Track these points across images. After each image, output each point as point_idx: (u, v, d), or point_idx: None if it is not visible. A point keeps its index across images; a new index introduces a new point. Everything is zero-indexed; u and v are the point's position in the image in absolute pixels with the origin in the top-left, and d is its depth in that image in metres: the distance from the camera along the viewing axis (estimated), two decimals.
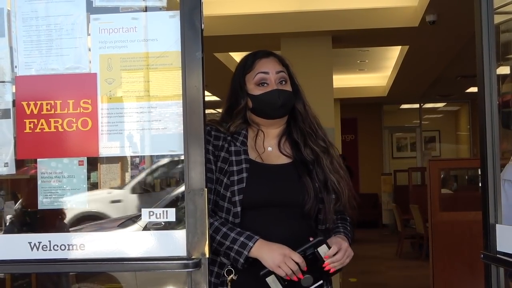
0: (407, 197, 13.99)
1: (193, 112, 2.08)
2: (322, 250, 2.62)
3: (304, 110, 2.91)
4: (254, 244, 2.61)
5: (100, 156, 2.18)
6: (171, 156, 2.29)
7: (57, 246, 2.13)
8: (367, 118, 19.70)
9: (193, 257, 2.05)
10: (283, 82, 2.86)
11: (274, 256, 2.59)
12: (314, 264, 2.61)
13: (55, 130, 2.16)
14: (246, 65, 2.91)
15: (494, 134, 2.18)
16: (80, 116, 2.16)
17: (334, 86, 9.73)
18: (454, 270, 4.52)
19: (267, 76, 2.84)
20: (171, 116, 2.14)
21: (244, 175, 2.74)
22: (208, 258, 2.07)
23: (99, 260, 2.11)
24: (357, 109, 19.07)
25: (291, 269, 2.57)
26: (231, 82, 2.96)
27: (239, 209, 2.70)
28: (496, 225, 2.10)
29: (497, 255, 2.05)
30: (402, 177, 16.36)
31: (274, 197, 2.71)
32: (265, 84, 2.84)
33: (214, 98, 16.63)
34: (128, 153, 2.19)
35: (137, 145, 2.17)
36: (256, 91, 2.84)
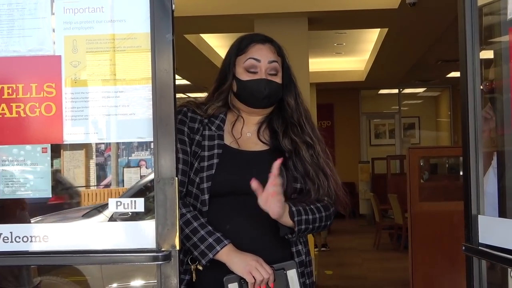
0: (385, 186, 14.08)
1: (163, 97, 2.07)
2: (290, 274, 2.62)
3: (295, 104, 2.90)
4: (221, 249, 2.61)
5: (65, 143, 2.17)
6: (140, 143, 2.27)
7: (19, 238, 2.12)
8: (344, 103, 19.76)
9: (162, 249, 2.05)
10: (274, 73, 2.84)
11: (248, 261, 2.58)
12: (279, 284, 2.61)
13: (17, 116, 2.14)
14: (239, 47, 2.89)
15: (476, 121, 2.20)
16: (44, 100, 2.14)
17: (309, 70, 9.74)
18: (434, 263, 4.56)
19: (258, 63, 2.82)
20: (140, 100, 2.13)
21: (215, 161, 2.74)
22: (178, 250, 2.07)
23: (63, 252, 2.10)
24: (334, 94, 19.12)
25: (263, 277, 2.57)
26: (222, 62, 2.96)
27: (206, 196, 2.70)
28: (479, 216, 2.12)
29: (479, 247, 2.07)
30: (380, 165, 16.46)
31: (244, 184, 2.70)
32: (255, 72, 2.82)
33: (185, 82, 16.58)
34: (93, 139, 2.18)
35: (103, 131, 2.16)
36: (244, 76, 2.83)
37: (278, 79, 2.85)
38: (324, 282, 10.07)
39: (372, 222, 15.08)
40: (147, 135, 2.12)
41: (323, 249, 12.89)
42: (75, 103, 2.15)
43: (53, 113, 2.14)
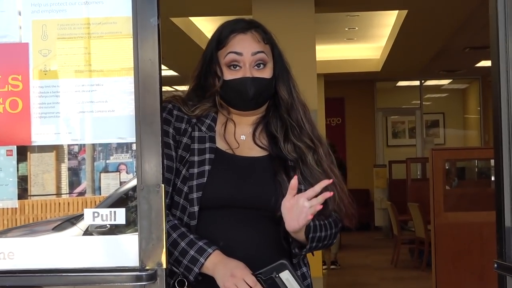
0: (405, 194, 14.06)
1: (147, 91, 2.08)
2: (284, 276, 2.60)
3: (290, 97, 2.89)
4: (206, 259, 2.59)
5: (33, 144, 2.18)
6: (120, 144, 2.29)
7: None
8: (356, 97, 19.75)
9: (147, 267, 2.06)
10: (261, 65, 2.81)
11: (225, 275, 2.56)
12: None
13: None
14: (219, 39, 2.85)
15: (511, 117, 2.20)
16: (8, 95, 2.15)
17: (317, 59, 9.74)
18: (461, 282, 4.56)
19: (240, 57, 2.78)
20: (120, 95, 2.14)
21: (207, 167, 2.73)
22: (165, 268, 2.07)
23: (31, 271, 2.10)
24: (345, 87, 19.11)
25: None
26: (202, 54, 2.93)
27: (196, 208, 2.68)
28: None
29: None
30: (398, 170, 16.46)
31: (240, 196, 2.68)
32: (237, 67, 2.80)
33: (171, 72, 16.59)
34: (66, 140, 2.19)
35: (78, 131, 2.17)
36: (227, 74, 2.80)
37: (266, 73, 2.81)
38: None
39: (390, 235, 15.08)
40: (128, 135, 2.13)
41: (332, 267, 12.89)
42: (44, 98, 2.16)
43: (19, 109, 2.15)
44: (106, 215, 2.14)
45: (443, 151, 7.29)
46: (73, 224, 5.48)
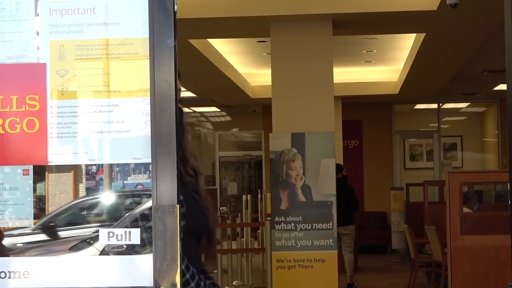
0: (422, 216, 14.01)
1: (163, 111, 2.08)
2: None
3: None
4: None
5: (50, 164, 2.18)
6: (137, 164, 2.29)
7: None
8: (374, 120, 19.74)
9: (161, 287, 2.05)
10: None
11: None
12: None
13: None
14: None
15: None
16: (26, 115, 2.15)
17: (335, 81, 9.74)
18: None
19: None
20: (136, 116, 2.14)
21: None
22: None
23: None
24: (363, 110, 19.10)
25: None
26: None
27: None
28: None
29: None
30: (416, 192, 16.39)
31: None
32: None
33: (189, 94, 16.62)
34: (83, 160, 2.18)
35: (94, 151, 2.16)
36: None
37: None
38: None
39: (407, 258, 15.01)
40: (144, 156, 2.12)
41: None
42: (61, 118, 2.16)
43: (36, 129, 2.15)
44: (121, 235, 2.13)
45: (460, 174, 7.27)
46: (90, 244, 5.50)
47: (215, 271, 12.82)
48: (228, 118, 22.01)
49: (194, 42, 11.04)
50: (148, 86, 2.10)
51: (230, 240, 13.80)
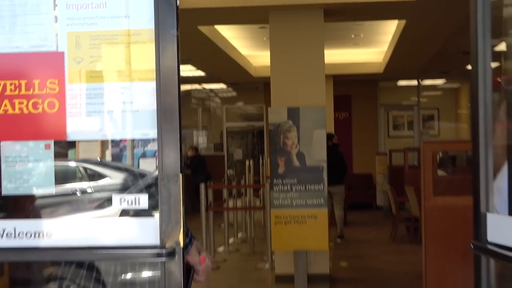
0: (403, 178, 14.03)
1: (168, 93, 2.07)
2: None
3: None
4: None
5: (68, 139, 2.17)
6: (144, 139, 2.29)
7: (23, 234, 2.12)
8: (362, 95, 19.70)
9: (166, 246, 2.05)
10: None
11: None
12: None
13: (19, 112, 2.14)
14: None
15: (487, 115, 2.17)
16: (47, 97, 2.14)
17: (326, 62, 9.70)
18: (448, 258, 4.52)
19: None
20: (144, 97, 2.13)
21: None
22: (182, 247, 2.06)
23: (67, 248, 2.10)
24: (352, 86, 19.06)
25: None
26: None
27: None
28: (487, 214, 2.09)
29: (488, 246, 2.05)
30: (398, 158, 16.40)
31: None
32: None
33: (199, 73, 16.59)
34: (97, 136, 2.18)
35: (107, 128, 2.15)
36: None
37: None
38: (339, 274, 10.06)
39: (389, 214, 15.03)
40: (151, 132, 2.11)
41: (338, 240, 12.89)
42: (78, 100, 2.15)
43: (56, 109, 2.14)
44: (131, 200, 2.13)
45: (433, 144, 7.24)
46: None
47: (221, 225, 12.90)
48: (234, 94, 21.98)
49: (203, 28, 10.97)
50: (154, 71, 2.08)
51: (235, 199, 13.84)
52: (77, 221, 2.19)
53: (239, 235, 13.66)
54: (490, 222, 2.07)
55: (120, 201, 2.14)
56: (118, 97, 2.14)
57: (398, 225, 13.02)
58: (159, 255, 2.05)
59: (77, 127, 2.15)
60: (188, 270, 2.67)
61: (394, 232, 13.03)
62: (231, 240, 12.90)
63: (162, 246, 2.05)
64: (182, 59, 11.33)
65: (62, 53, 2.15)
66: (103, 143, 2.26)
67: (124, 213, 2.16)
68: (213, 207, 11.84)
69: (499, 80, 2.50)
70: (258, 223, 13.06)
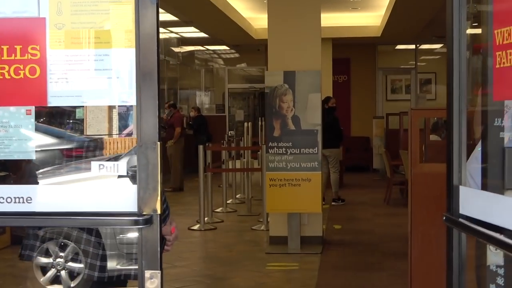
0: (399, 142, 14.02)
1: (147, 60, 2.04)
2: None
3: None
4: None
5: (49, 105, 2.15)
6: (123, 107, 2.28)
7: (3, 199, 2.11)
8: (360, 58, 19.64)
9: (144, 213, 2.03)
10: None
11: None
12: None
13: (1, 77, 2.12)
14: None
15: (461, 89, 2.15)
16: (28, 63, 2.12)
17: (325, 25, 9.65)
18: (432, 223, 4.51)
19: None
20: (124, 64, 2.10)
21: None
22: (160, 214, 2.05)
23: (45, 214, 2.09)
24: (350, 49, 18.98)
25: None
26: None
27: None
28: (460, 187, 2.08)
29: (459, 219, 2.04)
30: (395, 121, 16.39)
31: None
32: None
33: (202, 34, 16.52)
34: (77, 102, 2.16)
35: (87, 94, 2.13)
36: None
37: None
38: (332, 236, 10.11)
39: (385, 177, 15.07)
40: (131, 99, 2.09)
41: (333, 203, 12.89)
42: (59, 66, 2.13)
43: (37, 75, 2.12)
44: (110, 167, 2.12)
45: (421, 111, 7.20)
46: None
47: (221, 186, 12.92)
48: (236, 55, 21.91)
49: None
50: (134, 39, 2.05)
51: (234, 160, 13.84)
52: (55, 188, 2.19)
53: (237, 196, 13.70)
54: (463, 195, 2.06)
55: (99, 168, 2.13)
56: (98, 64, 2.12)
57: (392, 188, 13.05)
58: (136, 222, 2.04)
59: (58, 93, 2.13)
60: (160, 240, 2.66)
61: (388, 195, 13.07)
62: (229, 201, 12.95)
63: (139, 213, 2.04)
64: (185, 21, 11.32)
65: (44, 19, 2.12)
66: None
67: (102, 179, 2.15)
68: (211, 169, 11.85)
69: None
70: (257, 183, 13.08)
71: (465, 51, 2.13)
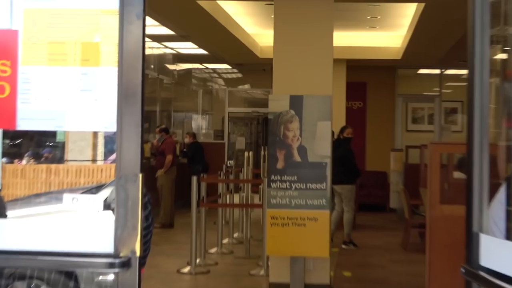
0: (419, 178, 13.97)
1: (130, 81, 2.04)
2: None
3: None
4: None
5: (18, 129, 2.15)
6: (104, 133, 2.27)
7: None
8: (378, 83, 19.65)
9: (121, 255, 2.02)
10: None
11: None
12: None
13: None
14: None
15: (483, 131, 2.15)
16: None
17: (339, 44, 9.68)
18: (453, 276, 4.47)
19: None
20: (105, 85, 2.10)
21: None
22: (139, 256, 2.04)
23: (6, 252, 2.07)
24: (367, 73, 19.01)
25: None
26: None
27: None
28: (480, 234, 2.07)
29: (480, 272, 2.02)
30: (415, 154, 16.34)
31: None
32: None
33: (201, 51, 16.57)
34: (51, 127, 2.16)
35: (62, 118, 2.13)
36: None
37: None
38: (341, 285, 10.04)
39: (403, 217, 15.01)
40: (111, 125, 2.09)
41: (344, 247, 12.81)
42: (32, 85, 2.13)
43: (6, 94, 2.12)
44: (85, 201, 2.11)
45: (441, 145, 7.18)
46: (94, 194, 5.47)
47: (216, 223, 12.87)
48: (239, 75, 21.96)
49: (203, 3, 10.94)
50: (117, 57, 2.06)
51: (232, 194, 13.80)
52: (19, 221, 2.17)
53: (235, 235, 13.63)
54: (484, 244, 2.04)
55: (72, 201, 2.12)
56: (76, 83, 2.12)
57: (410, 231, 12.97)
58: (111, 265, 2.02)
59: (29, 115, 2.13)
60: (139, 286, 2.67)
61: (406, 239, 12.99)
62: (225, 241, 12.88)
63: (116, 254, 2.03)
64: (181, 35, 11.32)
65: (16, 32, 2.13)
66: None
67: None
68: (206, 203, 11.77)
69: None
70: (257, 221, 13.01)
71: (488, 79, 2.12)
